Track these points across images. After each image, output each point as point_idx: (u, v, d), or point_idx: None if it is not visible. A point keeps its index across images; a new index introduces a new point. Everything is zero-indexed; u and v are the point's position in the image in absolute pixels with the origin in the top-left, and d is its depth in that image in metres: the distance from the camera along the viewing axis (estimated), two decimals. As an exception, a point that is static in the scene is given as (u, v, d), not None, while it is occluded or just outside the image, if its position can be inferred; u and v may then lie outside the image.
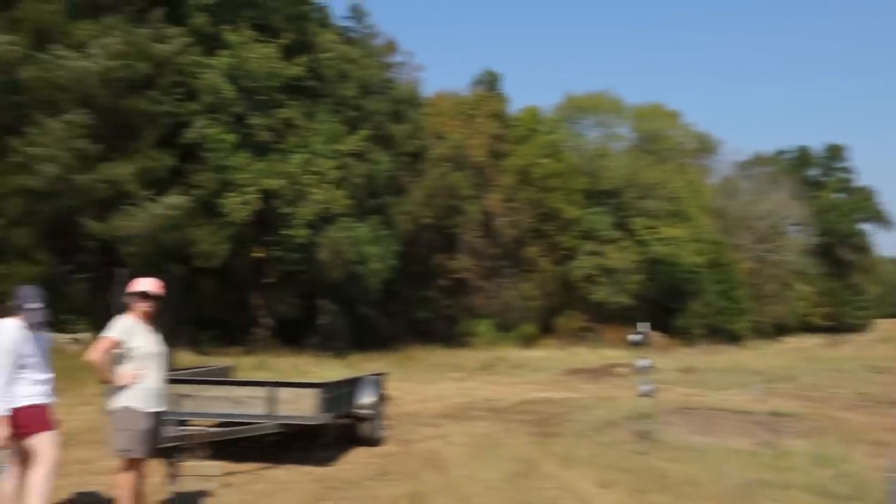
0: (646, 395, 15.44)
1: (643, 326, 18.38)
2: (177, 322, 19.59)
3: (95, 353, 5.58)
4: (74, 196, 20.00)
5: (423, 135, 33.41)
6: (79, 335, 18.26)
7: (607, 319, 40.79)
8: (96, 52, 19.71)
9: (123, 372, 5.66)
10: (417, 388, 16.90)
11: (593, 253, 41.06)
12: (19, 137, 19.66)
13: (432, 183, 33.05)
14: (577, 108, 48.40)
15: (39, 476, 5.40)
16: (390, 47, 35.50)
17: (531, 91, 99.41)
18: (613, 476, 8.06)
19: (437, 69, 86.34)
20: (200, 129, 22.54)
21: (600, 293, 40.76)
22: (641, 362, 16.97)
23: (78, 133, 19.44)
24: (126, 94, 20.87)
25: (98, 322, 19.54)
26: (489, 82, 42.35)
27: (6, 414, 5.23)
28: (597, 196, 42.85)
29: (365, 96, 28.42)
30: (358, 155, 26.44)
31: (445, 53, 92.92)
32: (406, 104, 32.08)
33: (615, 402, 14.68)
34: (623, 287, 40.71)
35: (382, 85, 30.62)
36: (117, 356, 5.68)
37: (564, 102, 49.27)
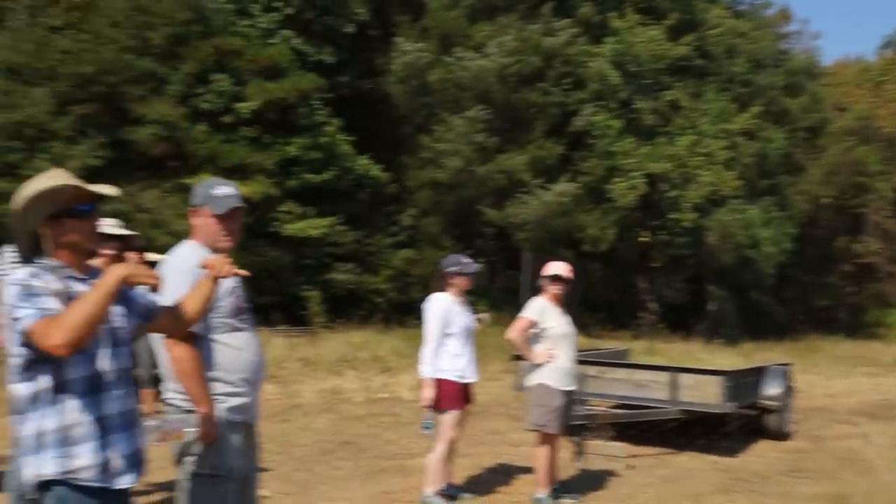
0: None
1: None
2: (568, 305, 20.27)
3: (514, 332, 5.90)
4: (474, 186, 21.57)
5: (823, 108, 30.67)
6: (479, 315, 19.65)
7: None
8: (493, 51, 21.02)
9: (539, 351, 5.90)
10: (823, 381, 15.56)
11: None
12: (428, 135, 21.73)
13: (834, 159, 30.19)
14: None
15: (433, 455, 5.80)
16: (784, 16, 33.14)
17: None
18: None
19: (838, 35, 78.66)
20: (588, 116, 22.95)
21: None
22: None
23: (477, 128, 20.92)
24: (519, 88, 21.98)
25: (496, 303, 20.93)
26: (901, 43, 37.63)
27: (431, 377, 5.68)
28: None
29: (756, 71, 26.82)
30: (749, 133, 25.06)
31: (846, 16, 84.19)
32: (802, 76, 29.67)
33: None
34: None
35: (775, 57, 28.67)
36: (533, 336, 5.94)
37: None
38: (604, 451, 7.58)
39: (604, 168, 23.04)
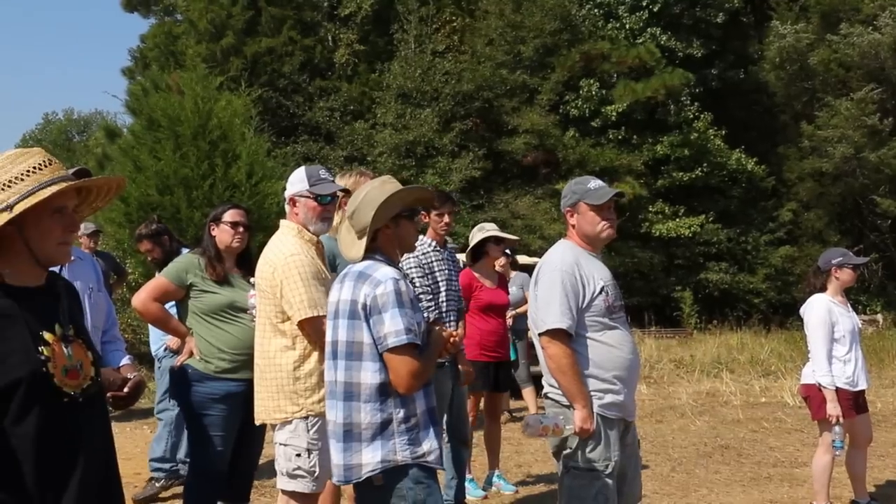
0: None
1: None
2: None
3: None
4: (865, 175, 19.61)
5: None
6: (874, 317, 17.77)
7: None
8: (886, 22, 18.90)
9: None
10: None
11: None
12: (809, 123, 20.16)
13: None
14: None
15: (817, 463, 5.33)
16: None
17: None
18: None
19: None
20: None
21: None
22: None
23: (868, 110, 19.00)
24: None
25: (893, 303, 18.74)
26: None
27: (831, 387, 5.19)
28: None
29: None
30: None
31: None
32: None
33: None
34: None
35: None
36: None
37: None
38: None
39: None
